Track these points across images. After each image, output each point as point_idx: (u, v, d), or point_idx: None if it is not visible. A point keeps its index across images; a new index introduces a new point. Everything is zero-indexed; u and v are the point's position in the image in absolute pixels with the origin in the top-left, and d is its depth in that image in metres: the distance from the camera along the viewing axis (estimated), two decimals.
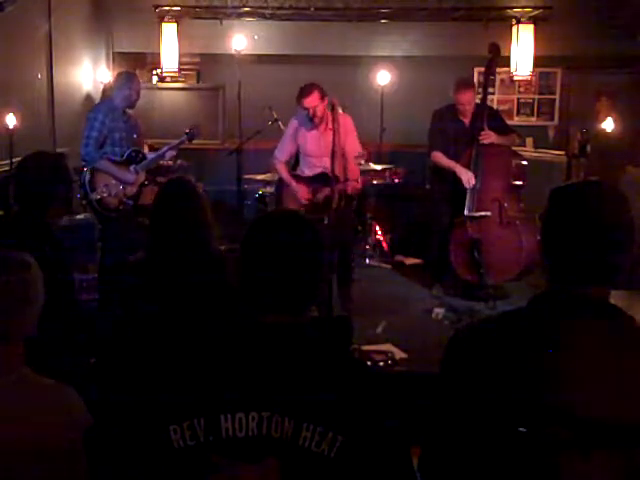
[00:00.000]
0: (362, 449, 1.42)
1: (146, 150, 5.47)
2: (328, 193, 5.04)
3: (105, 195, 5.08)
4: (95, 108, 5.37)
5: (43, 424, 1.73)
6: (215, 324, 1.69)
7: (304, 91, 5.11)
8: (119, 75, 5.47)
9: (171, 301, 2.59)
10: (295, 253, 1.59)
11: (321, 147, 5.09)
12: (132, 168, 5.19)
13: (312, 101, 5.06)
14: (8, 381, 1.77)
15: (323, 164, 5.08)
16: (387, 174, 5.25)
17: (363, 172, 5.73)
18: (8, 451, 1.68)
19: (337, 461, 1.41)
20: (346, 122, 5.23)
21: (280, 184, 5.52)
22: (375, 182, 6.79)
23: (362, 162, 5.36)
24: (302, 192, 5.27)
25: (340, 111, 5.20)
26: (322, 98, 5.07)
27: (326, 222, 4.88)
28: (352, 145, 5.23)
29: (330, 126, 5.08)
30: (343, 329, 4.28)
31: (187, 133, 5.48)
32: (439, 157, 5.67)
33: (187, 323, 2.40)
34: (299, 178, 5.36)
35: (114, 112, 5.17)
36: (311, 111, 5.07)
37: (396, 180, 5.24)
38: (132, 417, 1.61)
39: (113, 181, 5.13)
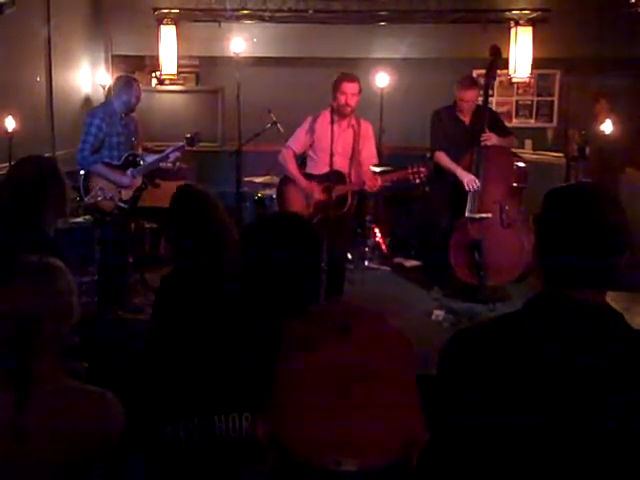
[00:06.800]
0: None
1: (140, 152, 5.45)
2: (344, 191, 4.97)
3: (99, 199, 5.07)
4: (92, 112, 5.34)
5: (89, 431, 1.72)
6: (215, 326, 1.69)
7: (347, 76, 4.97)
8: (119, 79, 5.44)
9: (211, 307, 2.52)
10: (293, 256, 1.59)
11: (338, 144, 4.91)
12: (129, 172, 5.19)
13: (353, 88, 4.92)
14: (56, 389, 1.76)
15: (334, 163, 4.88)
16: (410, 172, 5.02)
17: None
18: (54, 458, 1.68)
19: None
20: (367, 127, 5.18)
21: (283, 182, 5.32)
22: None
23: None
24: (313, 190, 5.10)
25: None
26: (360, 92, 4.97)
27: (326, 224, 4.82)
28: (369, 151, 5.16)
29: (353, 123, 5.05)
30: None
31: (187, 138, 5.46)
32: (442, 158, 5.67)
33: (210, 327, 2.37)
34: (308, 176, 5.18)
35: (112, 116, 5.15)
36: (348, 97, 4.90)
37: (417, 180, 5.00)
38: (130, 419, 1.62)
39: (108, 185, 5.12)
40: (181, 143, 5.43)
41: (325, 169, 5.03)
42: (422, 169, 5.05)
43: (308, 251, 1.65)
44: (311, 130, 5.15)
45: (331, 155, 4.83)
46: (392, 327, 0.99)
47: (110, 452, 1.72)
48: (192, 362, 1.57)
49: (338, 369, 0.90)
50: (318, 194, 5.09)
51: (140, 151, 5.46)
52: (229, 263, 2.66)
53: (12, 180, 3.10)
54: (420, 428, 0.96)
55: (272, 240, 1.64)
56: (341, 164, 4.98)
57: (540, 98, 8.26)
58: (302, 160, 5.36)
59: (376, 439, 0.90)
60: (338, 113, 4.95)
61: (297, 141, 5.22)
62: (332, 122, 4.84)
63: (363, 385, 0.90)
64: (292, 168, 5.20)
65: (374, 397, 0.90)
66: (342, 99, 4.92)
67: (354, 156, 5.06)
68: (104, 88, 7.65)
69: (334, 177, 4.95)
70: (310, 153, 5.24)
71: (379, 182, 5.02)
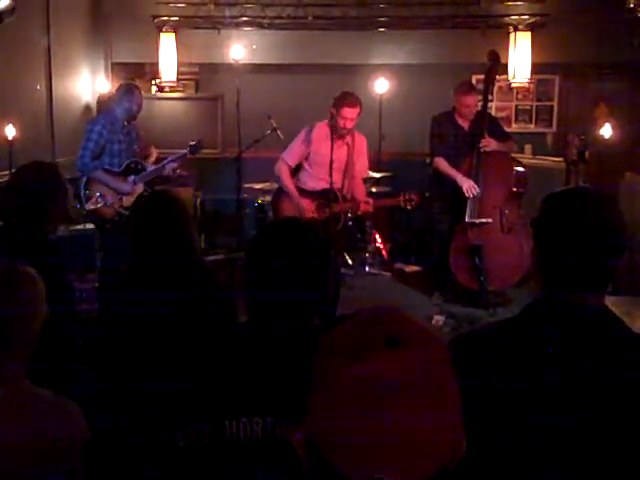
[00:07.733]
0: None
1: (154, 159, 5.49)
2: (336, 210, 4.97)
3: (100, 205, 5.08)
4: (94, 120, 5.38)
5: (40, 437, 1.71)
6: (218, 331, 1.70)
7: (350, 99, 4.90)
8: (120, 87, 5.47)
9: (157, 308, 2.56)
10: (302, 260, 1.60)
11: (334, 159, 4.89)
12: (131, 179, 5.20)
13: (353, 113, 4.88)
14: (14, 393, 1.75)
15: (329, 178, 4.89)
16: (402, 199, 5.15)
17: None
18: (7, 462, 1.67)
19: None
20: (361, 142, 5.16)
21: (278, 194, 5.32)
22: (374, 190, 6.80)
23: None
24: (307, 207, 5.08)
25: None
26: (360, 113, 4.95)
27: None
28: (362, 165, 5.17)
29: (347, 140, 5.03)
30: None
31: (190, 146, 5.48)
32: (441, 164, 5.68)
33: (180, 331, 2.38)
34: (302, 191, 5.15)
35: (113, 124, 5.17)
36: (347, 122, 4.88)
37: (409, 207, 5.16)
38: (139, 425, 1.62)
39: (109, 191, 5.14)
40: (184, 151, 5.46)
41: (319, 183, 5.06)
42: (413, 196, 5.13)
43: (320, 256, 1.65)
44: (307, 142, 5.11)
45: (330, 171, 4.81)
46: (438, 339, 0.97)
47: (71, 460, 1.71)
48: (201, 367, 1.57)
49: (384, 383, 0.87)
50: (311, 212, 5.08)
51: (154, 155, 5.49)
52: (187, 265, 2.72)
53: (14, 186, 3.10)
54: (461, 441, 0.94)
55: (283, 245, 1.64)
56: (335, 178, 4.95)
57: (539, 103, 8.27)
58: (295, 169, 5.29)
59: (419, 457, 0.87)
60: (335, 131, 4.93)
61: (292, 154, 5.17)
62: (332, 139, 4.84)
63: (409, 401, 0.87)
64: (287, 182, 5.15)
65: (420, 415, 0.88)
66: (341, 122, 4.89)
67: (347, 170, 5.06)
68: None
69: (328, 196, 4.96)
70: (305, 166, 5.20)
71: (371, 204, 5.11)
